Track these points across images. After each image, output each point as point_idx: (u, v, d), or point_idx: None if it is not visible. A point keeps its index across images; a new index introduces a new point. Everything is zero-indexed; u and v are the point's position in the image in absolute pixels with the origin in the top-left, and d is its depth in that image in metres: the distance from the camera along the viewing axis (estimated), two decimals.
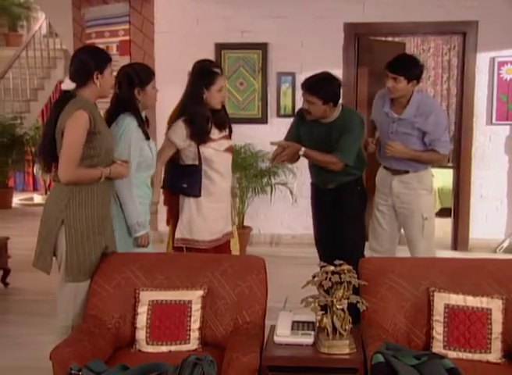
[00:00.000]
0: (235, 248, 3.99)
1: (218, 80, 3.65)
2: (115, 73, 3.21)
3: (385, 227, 4.08)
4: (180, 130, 3.60)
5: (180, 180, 3.67)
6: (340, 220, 3.95)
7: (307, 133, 3.94)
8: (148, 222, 3.43)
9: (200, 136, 3.60)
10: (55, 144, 2.95)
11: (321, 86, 3.75)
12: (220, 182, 3.73)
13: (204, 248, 3.67)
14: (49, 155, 2.99)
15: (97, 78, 2.96)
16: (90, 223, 2.97)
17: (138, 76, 3.34)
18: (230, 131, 3.86)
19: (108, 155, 3.03)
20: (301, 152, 3.79)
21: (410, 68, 3.84)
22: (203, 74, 3.67)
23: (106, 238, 3.07)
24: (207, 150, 3.64)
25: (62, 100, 2.98)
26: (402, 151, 3.87)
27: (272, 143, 3.86)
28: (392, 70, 3.80)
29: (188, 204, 3.68)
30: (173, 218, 3.77)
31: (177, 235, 3.70)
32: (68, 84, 2.97)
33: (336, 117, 3.85)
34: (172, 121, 3.70)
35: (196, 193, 3.65)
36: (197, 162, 3.64)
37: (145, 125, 3.40)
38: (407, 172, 3.96)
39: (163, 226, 4.04)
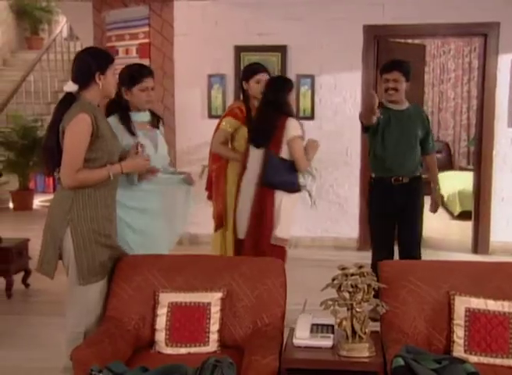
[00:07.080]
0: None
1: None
2: None
3: None
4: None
5: (286, 175, 3.76)
6: (414, 216, 4.15)
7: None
8: None
9: None
10: (59, 146, 2.89)
11: (402, 64, 4.20)
12: None
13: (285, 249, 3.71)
14: (52, 158, 2.93)
15: (99, 79, 2.91)
16: (96, 225, 2.92)
17: (126, 76, 3.41)
18: None
19: (112, 157, 2.97)
20: None
21: None
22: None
23: (112, 240, 3.03)
24: None
25: (65, 102, 2.93)
26: None
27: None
28: None
29: (286, 201, 3.72)
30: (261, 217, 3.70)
31: (280, 234, 3.69)
32: (70, 86, 2.92)
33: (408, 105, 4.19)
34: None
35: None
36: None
37: (130, 122, 3.38)
38: None
39: (194, 229, 3.98)
